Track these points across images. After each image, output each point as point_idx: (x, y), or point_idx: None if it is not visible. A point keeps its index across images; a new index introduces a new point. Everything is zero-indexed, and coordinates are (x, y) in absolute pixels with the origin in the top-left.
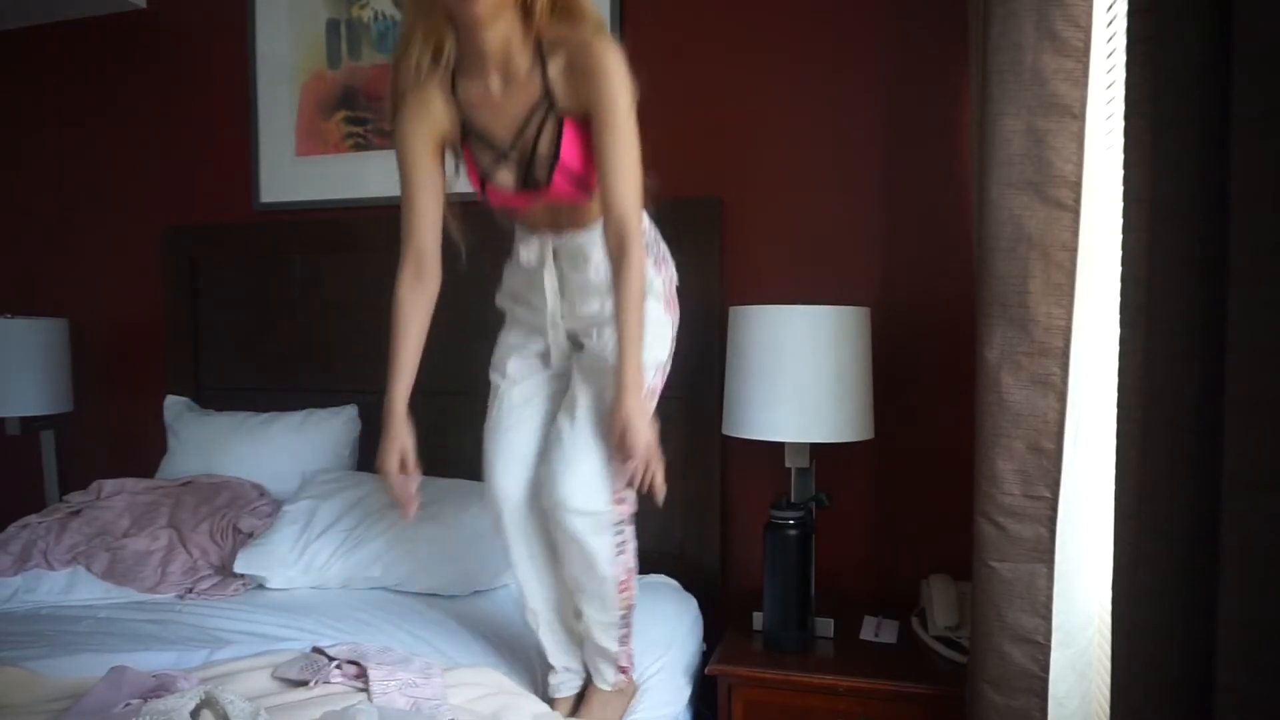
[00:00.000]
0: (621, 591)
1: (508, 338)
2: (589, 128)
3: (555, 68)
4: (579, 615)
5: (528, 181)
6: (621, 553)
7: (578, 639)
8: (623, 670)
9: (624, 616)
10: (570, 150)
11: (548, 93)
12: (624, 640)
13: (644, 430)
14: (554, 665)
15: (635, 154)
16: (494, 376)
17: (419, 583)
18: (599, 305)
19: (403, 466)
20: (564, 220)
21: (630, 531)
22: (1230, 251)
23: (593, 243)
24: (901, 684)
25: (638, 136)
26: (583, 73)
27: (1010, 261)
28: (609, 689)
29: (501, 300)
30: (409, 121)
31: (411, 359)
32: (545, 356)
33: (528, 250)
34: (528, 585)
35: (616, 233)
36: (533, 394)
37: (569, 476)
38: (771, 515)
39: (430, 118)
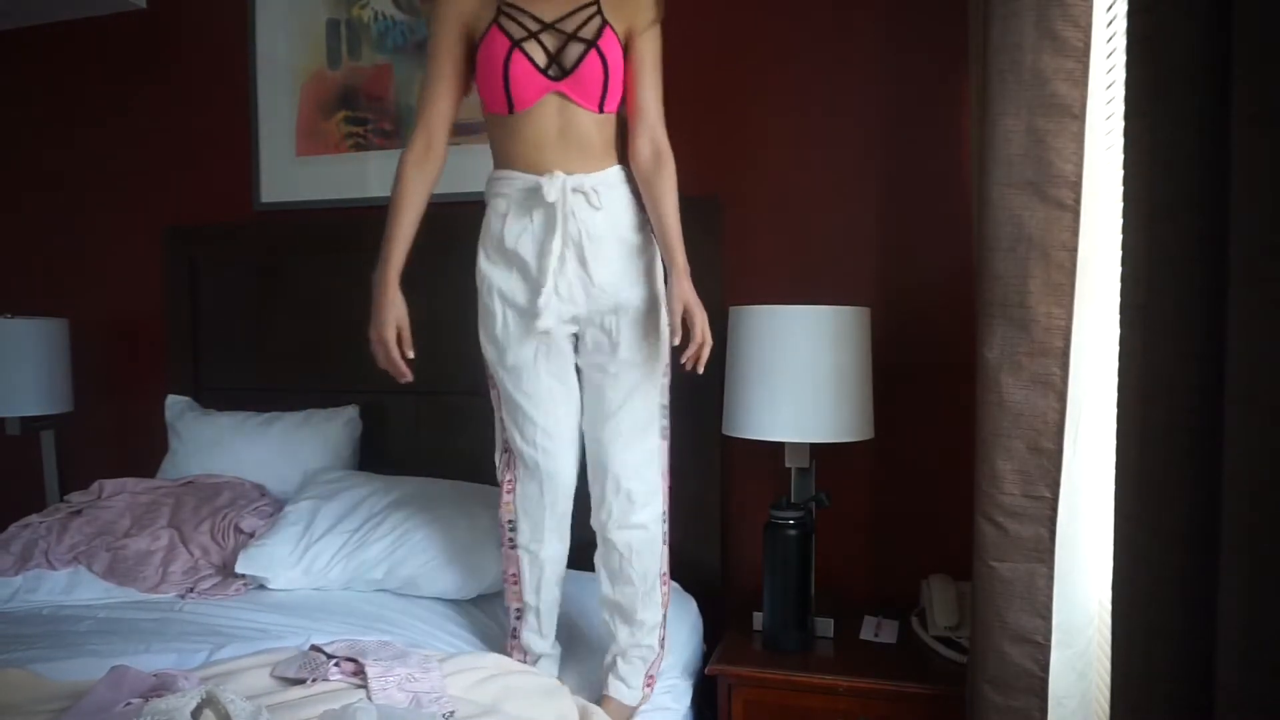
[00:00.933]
0: (663, 585)
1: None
2: (622, 51)
3: None
4: (630, 622)
5: (553, 65)
6: (665, 542)
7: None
8: (649, 682)
9: (664, 617)
10: (607, 47)
11: (597, 1)
12: (662, 642)
13: (702, 309)
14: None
15: (661, 89)
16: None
17: (421, 586)
18: (619, 269)
19: (399, 338)
20: (576, 149)
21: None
22: (1230, 251)
23: (609, 185)
24: (901, 684)
25: None
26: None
27: (1010, 261)
28: (631, 704)
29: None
30: (445, 3)
31: (408, 231)
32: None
33: (530, 198)
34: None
35: (653, 140)
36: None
37: (636, 492)
38: (771, 515)
39: (466, 1)
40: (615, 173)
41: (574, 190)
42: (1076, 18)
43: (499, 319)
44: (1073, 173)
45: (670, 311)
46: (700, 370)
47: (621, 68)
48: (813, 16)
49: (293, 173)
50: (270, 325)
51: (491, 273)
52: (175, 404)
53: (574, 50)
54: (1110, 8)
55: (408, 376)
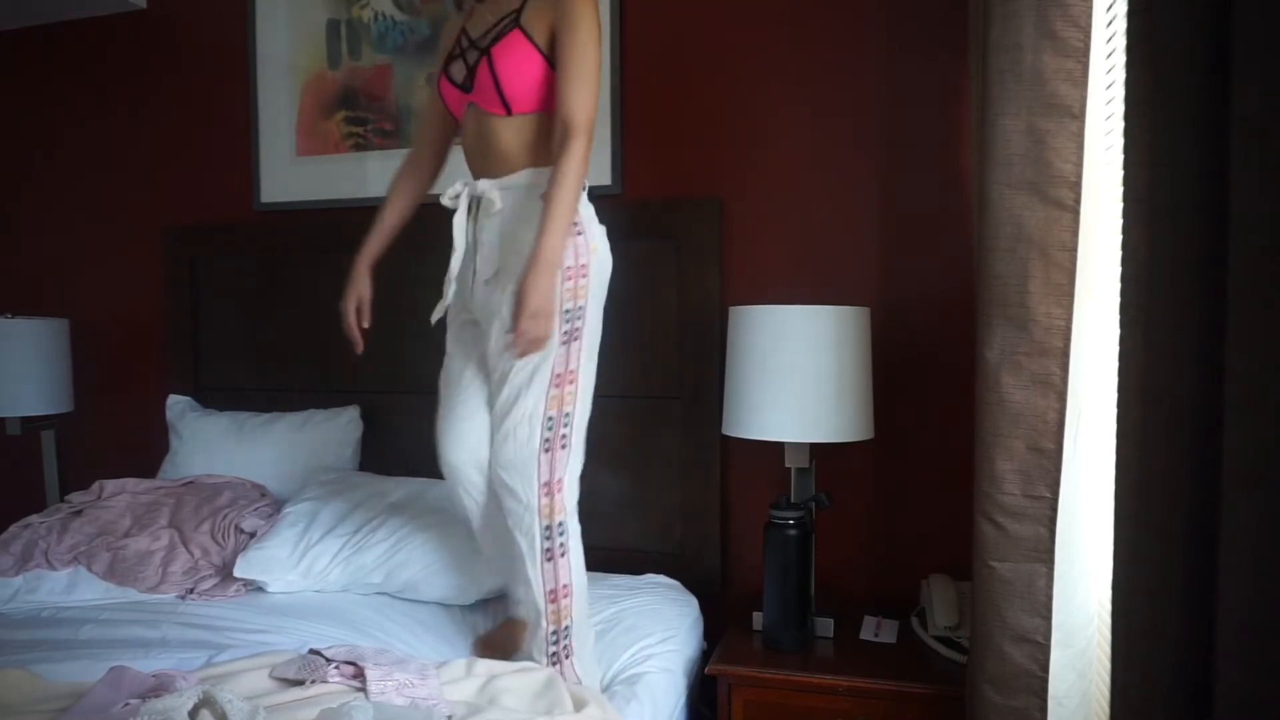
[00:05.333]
0: (550, 602)
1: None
2: (548, 50)
3: None
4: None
5: (468, 79)
6: (550, 559)
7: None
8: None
9: (554, 633)
10: (503, 51)
11: (519, 9)
12: (554, 659)
13: (535, 305)
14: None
15: (592, 74)
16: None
17: (420, 591)
18: (499, 267)
19: (358, 312)
20: (491, 155)
21: (568, 539)
22: (1230, 251)
23: (507, 188)
24: (901, 684)
25: (598, 64)
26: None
27: (1010, 261)
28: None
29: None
30: (440, 37)
31: (392, 221)
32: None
33: (453, 192)
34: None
35: (562, 126)
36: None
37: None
38: (771, 515)
39: (447, 37)
40: (523, 175)
41: (475, 196)
42: (1076, 18)
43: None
44: (1073, 173)
45: (512, 293)
46: (517, 357)
47: (525, 68)
48: (813, 17)
49: (293, 173)
50: (270, 325)
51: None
52: (176, 404)
53: (460, 66)
54: (1110, 8)
55: (359, 346)
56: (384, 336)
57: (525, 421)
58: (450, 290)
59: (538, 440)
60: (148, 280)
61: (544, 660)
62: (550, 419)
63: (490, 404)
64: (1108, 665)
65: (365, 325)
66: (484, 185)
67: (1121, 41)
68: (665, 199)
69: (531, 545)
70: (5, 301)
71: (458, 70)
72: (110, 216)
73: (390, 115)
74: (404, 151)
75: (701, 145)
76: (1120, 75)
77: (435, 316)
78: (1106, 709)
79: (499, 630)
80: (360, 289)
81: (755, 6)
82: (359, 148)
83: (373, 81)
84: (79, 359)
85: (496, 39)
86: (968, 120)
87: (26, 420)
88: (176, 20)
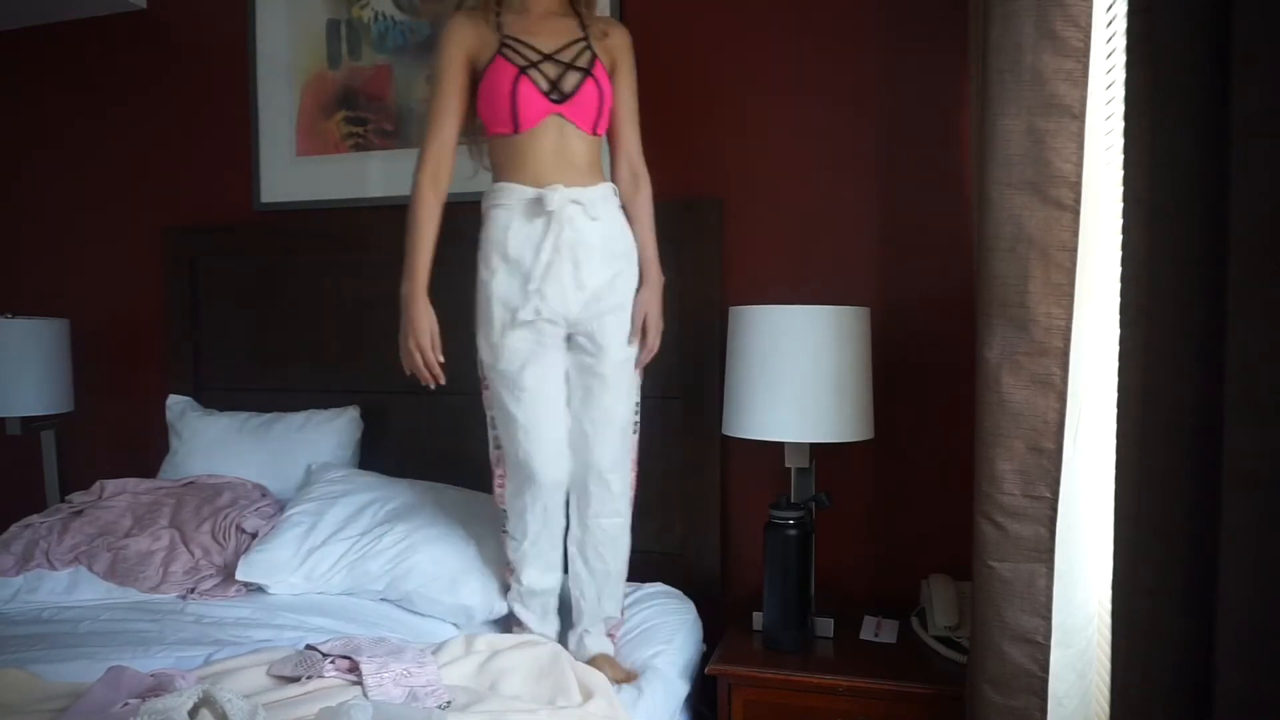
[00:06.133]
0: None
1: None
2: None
3: (591, 30)
4: (600, 598)
5: (554, 91)
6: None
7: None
8: (613, 637)
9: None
10: (600, 75)
11: (585, 36)
12: (622, 610)
13: (659, 323)
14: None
15: (638, 119)
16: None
17: (423, 605)
18: (609, 276)
19: (431, 343)
20: (571, 166)
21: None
22: (1230, 251)
23: (603, 199)
24: (901, 684)
25: None
26: (612, 38)
27: (1010, 261)
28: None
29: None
30: (453, 33)
31: (430, 245)
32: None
33: (532, 208)
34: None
35: (631, 165)
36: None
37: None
38: (771, 515)
39: (470, 36)
40: (607, 188)
41: (572, 201)
42: (1076, 18)
43: (496, 325)
44: (1073, 173)
45: (633, 317)
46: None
47: (608, 96)
48: (813, 17)
49: (293, 173)
50: (270, 325)
51: (491, 282)
52: (176, 404)
53: (572, 78)
54: (1110, 8)
55: (442, 380)
56: (384, 336)
57: (624, 421)
58: (535, 294)
59: (629, 437)
60: (148, 280)
61: (618, 614)
62: (637, 405)
63: (579, 411)
64: (1108, 665)
65: (441, 359)
66: (576, 193)
67: (1121, 41)
68: (665, 199)
69: (626, 525)
70: (5, 301)
71: (541, 79)
72: (110, 216)
73: (390, 115)
74: (404, 151)
75: (701, 145)
76: (1120, 75)
77: (527, 316)
78: (1106, 709)
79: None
80: (429, 319)
81: (755, 6)
82: (359, 148)
83: (373, 81)
84: (79, 359)
85: (591, 62)
86: (968, 120)
87: (26, 420)
88: (176, 20)
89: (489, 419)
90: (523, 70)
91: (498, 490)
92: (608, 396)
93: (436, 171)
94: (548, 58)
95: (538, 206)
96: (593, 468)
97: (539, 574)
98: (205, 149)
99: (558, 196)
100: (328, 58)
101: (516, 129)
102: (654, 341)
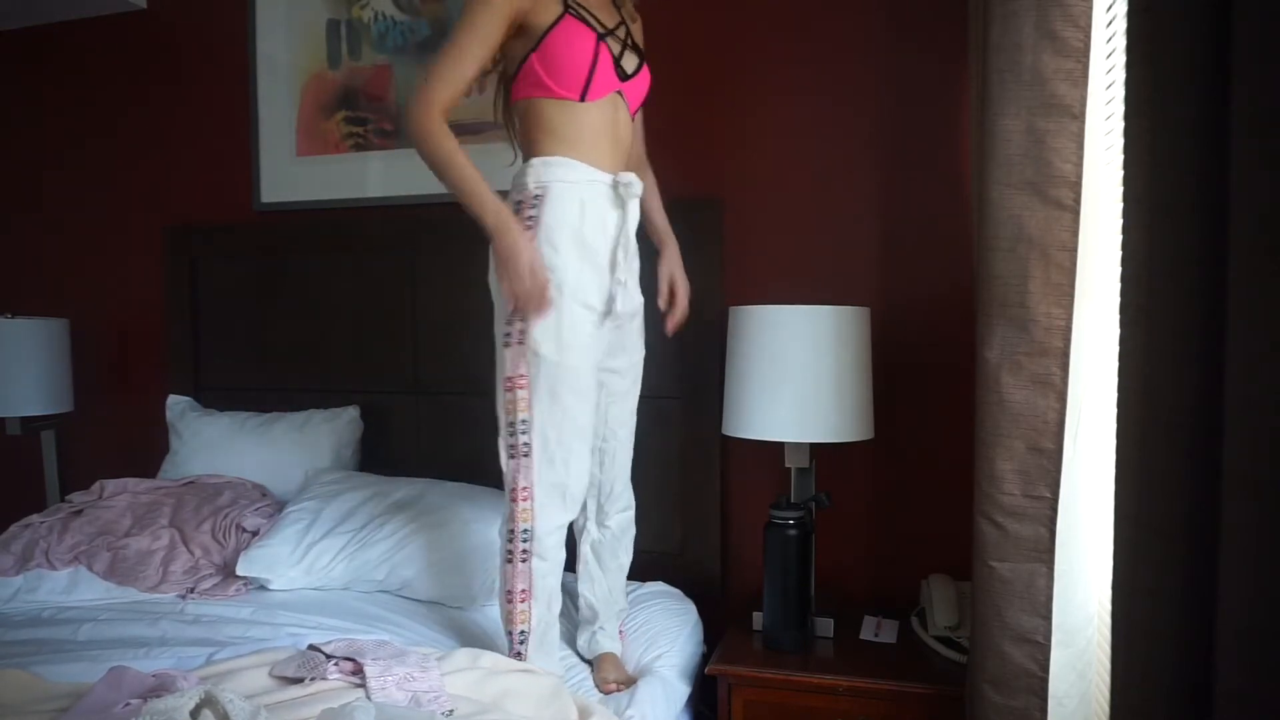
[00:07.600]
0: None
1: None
2: None
3: (624, 12)
4: (611, 594)
5: (617, 67)
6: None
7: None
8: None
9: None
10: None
11: (623, 20)
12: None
13: (686, 281)
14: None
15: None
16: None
17: (423, 590)
18: (636, 273)
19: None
20: (620, 147)
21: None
22: (1230, 251)
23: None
24: (901, 684)
25: None
26: (638, 24)
27: (1010, 261)
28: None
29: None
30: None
31: (480, 175)
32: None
33: (597, 190)
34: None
35: (639, 154)
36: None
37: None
38: (771, 515)
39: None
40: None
41: (623, 188)
42: (1076, 18)
43: (566, 316)
44: (1072, 173)
45: (659, 278)
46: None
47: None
48: (813, 17)
49: (293, 173)
50: (270, 325)
51: (560, 265)
52: (176, 404)
53: (632, 58)
54: (1110, 8)
55: (550, 308)
56: (384, 336)
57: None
58: (621, 291)
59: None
60: (148, 280)
61: (625, 602)
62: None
63: (606, 414)
64: (1108, 665)
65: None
66: (628, 176)
67: (1121, 41)
68: (665, 199)
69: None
70: (5, 301)
71: (629, 57)
72: (110, 216)
73: (390, 115)
74: (404, 151)
75: (701, 145)
76: (1120, 75)
77: (619, 308)
78: (1106, 709)
79: (600, 670)
80: (530, 242)
81: (755, 6)
82: (359, 148)
83: (373, 81)
84: (79, 359)
85: (640, 46)
86: (968, 120)
87: (26, 420)
88: (176, 20)
89: (510, 424)
90: (603, 36)
91: (522, 505)
92: (632, 398)
93: (445, 114)
94: (610, 32)
95: (610, 191)
96: (619, 470)
97: (551, 612)
98: (205, 149)
99: (636, 187)
100: (328, 58)
101: (583, 97)
102: (683, 301)
